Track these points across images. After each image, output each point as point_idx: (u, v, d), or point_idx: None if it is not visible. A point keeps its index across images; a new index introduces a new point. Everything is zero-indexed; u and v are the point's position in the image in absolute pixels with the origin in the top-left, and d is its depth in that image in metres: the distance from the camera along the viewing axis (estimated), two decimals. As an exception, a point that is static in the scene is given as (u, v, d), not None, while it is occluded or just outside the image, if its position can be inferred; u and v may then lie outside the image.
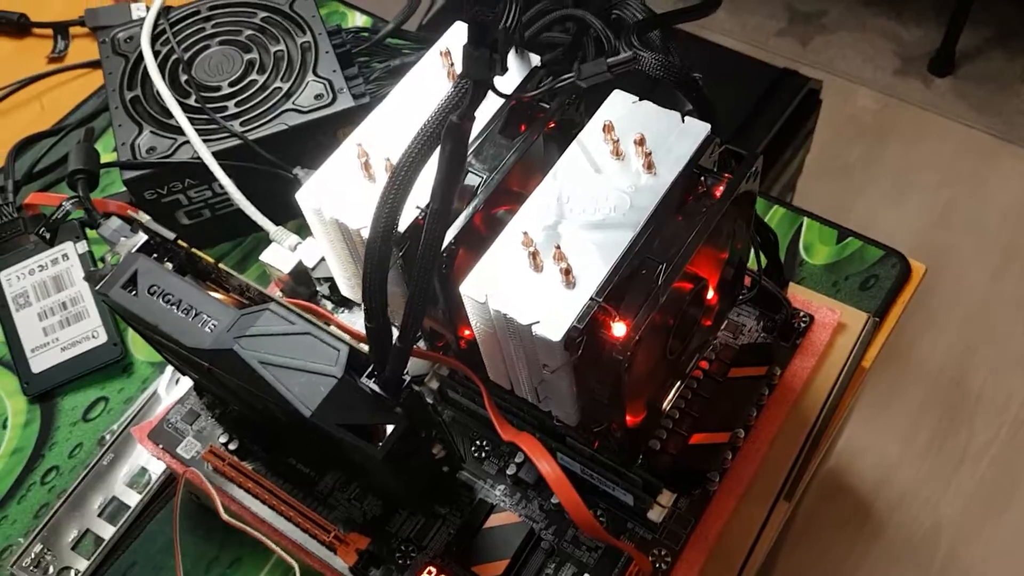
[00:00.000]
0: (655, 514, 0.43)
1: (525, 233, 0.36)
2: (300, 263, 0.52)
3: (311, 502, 0.46)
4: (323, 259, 0.52)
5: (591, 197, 0.37)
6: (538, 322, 0.35)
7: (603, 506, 0.45)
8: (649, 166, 0.37)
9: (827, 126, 1.21)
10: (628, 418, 0.40)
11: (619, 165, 0.38)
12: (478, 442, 0.48)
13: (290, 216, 0.57)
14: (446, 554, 0.44)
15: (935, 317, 1.19)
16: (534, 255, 0.36)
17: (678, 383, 0.45)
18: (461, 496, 0.46)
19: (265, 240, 0.54)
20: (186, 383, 0.52)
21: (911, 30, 1.54)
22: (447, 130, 0.30)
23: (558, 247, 0.36)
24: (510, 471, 0.46)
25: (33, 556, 0.52)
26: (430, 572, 0.44)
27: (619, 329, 0.34)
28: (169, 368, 0.58)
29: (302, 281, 0.53)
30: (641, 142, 0.37)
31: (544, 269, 0.36)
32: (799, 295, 0.50)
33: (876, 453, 1.12)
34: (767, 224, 0.45)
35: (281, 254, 0.52)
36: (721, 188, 0.37)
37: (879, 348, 0.51)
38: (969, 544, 1.06)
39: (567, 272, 0.35)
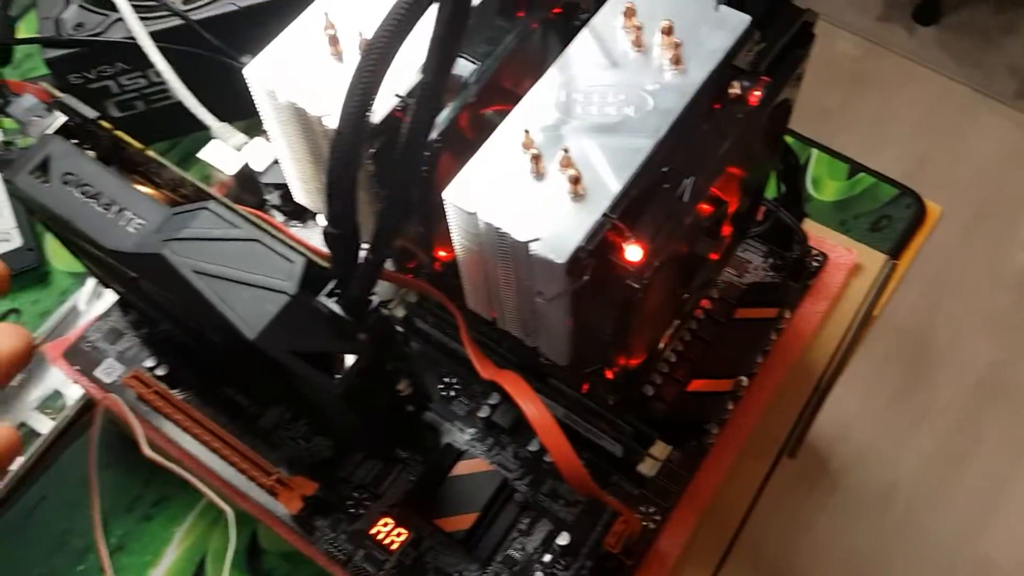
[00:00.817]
0: (646, 467, 0.38)
1: (526, 132, 0.30)
2: (247, 166, 0.45)
3: (251, 439, 0.40)
4: (274, 162, 0.45)
5: (605, 95, 0.31)
6: (538, 239, 0.29)
7: (586, 456, 0.40)
8: (676, 61, 0.31)
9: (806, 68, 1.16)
10: (628, 359, 0.34)
11: (640, 58, 0.32)
12: (447, 379, 0.42)
13: (237, 115, 0.49)
14: (405, 504, 0.39)
15: (905, 271, 1.16)
16: (536, 159, 0.30)
17: (676, 323, 0.40)
18: (425, 439, 0.41)
19: (206, 139, 0.47)
20: (111, 298, 0.45)
21: (897, -26, 1.48)
22: (449, -22, 0.23)
23: (565, 151, 0.30)
24: (482, 413, 0.41)
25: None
26: (386, 524, 0.39)
27: (634, 253, 0.29)
28: (92, 280, 0.50)
29: (248, 188, 0.46)
30: (668, 31, 0.31)
31: (547, 177, 0.30)
32: (811, 231, 0.44)
33: (835, 407, 1.10)
34: (791, 147, 0.40)
35: (225, 153, 0.45)
36: (759, 93, 0.31)
37: (891, 294, 0.47)
38: (926, 504, 1.04)
39: (575, 181, 0.29)
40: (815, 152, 0.53)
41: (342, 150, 0.27)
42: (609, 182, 0.29)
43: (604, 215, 0.29)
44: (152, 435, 0.40)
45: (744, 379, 0.40)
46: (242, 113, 0.50)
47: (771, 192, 0.41)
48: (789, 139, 0.53)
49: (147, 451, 0.37)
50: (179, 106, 0.49)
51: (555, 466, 0.37)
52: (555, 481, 0.40)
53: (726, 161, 0.30)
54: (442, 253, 0.37)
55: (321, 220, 0.44)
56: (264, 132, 0.46)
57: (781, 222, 0.41)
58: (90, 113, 0.33)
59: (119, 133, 0.33)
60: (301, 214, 0.46)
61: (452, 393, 0.42)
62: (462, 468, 0.39)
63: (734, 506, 0.40)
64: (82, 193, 0.32)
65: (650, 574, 0.38)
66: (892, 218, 0.50)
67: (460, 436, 0.41)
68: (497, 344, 0.39)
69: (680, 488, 0.39)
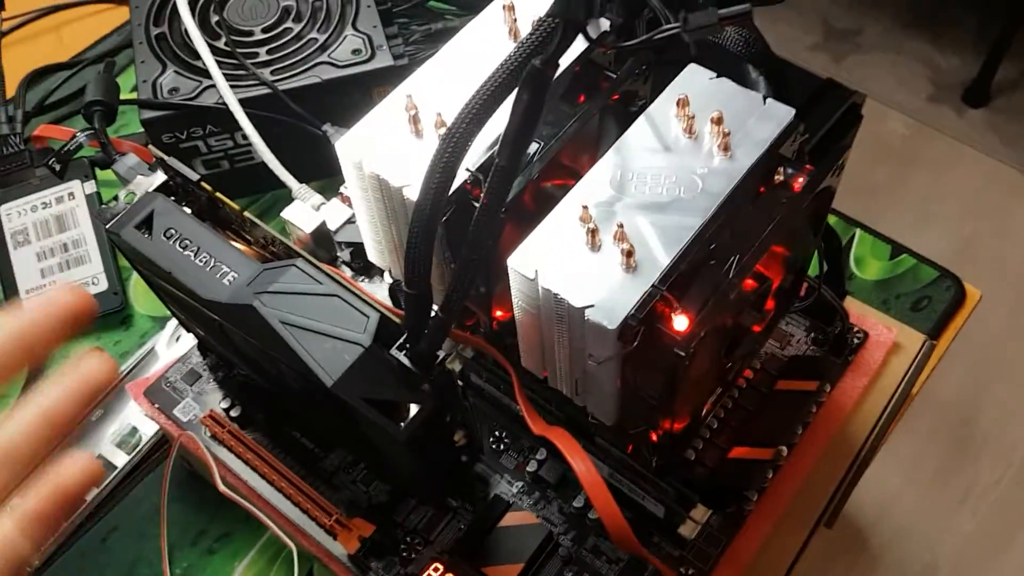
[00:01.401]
0: (687, 529, 0.40)
1: (584, 207, 0.33)
2: (323, 224, 0.48)
3: (314, 481, 0.43)
4: (347, 222, 0.49)
5: (658, 176, 0.34)
6: (592, 306, 0.31)
7: (628, 515, 0.41)
8: (725, 148, 0.34)
9: (855, 146, 1.18)
10: (672, 423, 0.37)
11: (691, 144, 0.35)
12: (497, 433, 0.44)
13: (313, 175, 0.54)
14: (455, 551, 0.41)
15: (951, 350, 1.16)
16: (592, 232, 0.33)
17: (719, 391, 0.42)
18: (475, 490, 0.43)
19: (284, 199, 0.51)
20: (187, 342, 0.49)
21: (948, 57, 1.51)
22: (528, 76, 0.27)
23: (620, 226, 0.32)
24: (530, 468, 0.43)
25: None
26: (436, 569, 0.40)
27: (681, 323, 0.31)
28: (170, 324, 0.54)
29: (323, 244, 0.49)
30: (719, 121, 0.34)
31: (602, 249, 0.33)
32: (853, 309, 0.46)
33: (878, 484, 1.09)
34: (833, 228, 0.42)
35: (304, 212, 0.48)
36: (802, 180, 0.34)
37: (929, 373, 0.48)
38: (966, 586, 1.03)
39: (628, 254, 0.32)
40: (858, 232, 0.55)
41: (421, 221, 0.30)
42: (659, 256, 0.32)
43: (654, 286, 0.31)
44: (223, 472, 0.43)
45: (784, 449, 0.42)
46: (317, 174, 0.55)
47: (814, 270, 0.43)
48: (833, 219, 0.56)
49: (220, 486, 0.40)
50: (260, 166, 0.54)
51: (600, 522, 0.39)
52: (598, 538, 0.41)
53: (770, 240, 0.32)
54: (499, 313, 0.39)
55: (387, 278, 0.47)
56: (338, 194, 0.50)
57: (823, 299, 0.43)
58: (192, 175, 0.37)
59: (218, 194, 0.37)
60: (368, 271, 0.49)
61: (502, 447, 0.44)
62: (509, 519, 0.41)
63: (771, 573, 0.41)
64: (182, 247, 0.35)
65: (686, 633, 0.39)
66: (932, 299, 0.52)
67: (508, 488, 0.43)
68: (547, 402, 0.41)
69: (719, 551, 0.40)
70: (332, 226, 0.48)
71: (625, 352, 0.32)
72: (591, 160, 0.35)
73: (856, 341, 0.45)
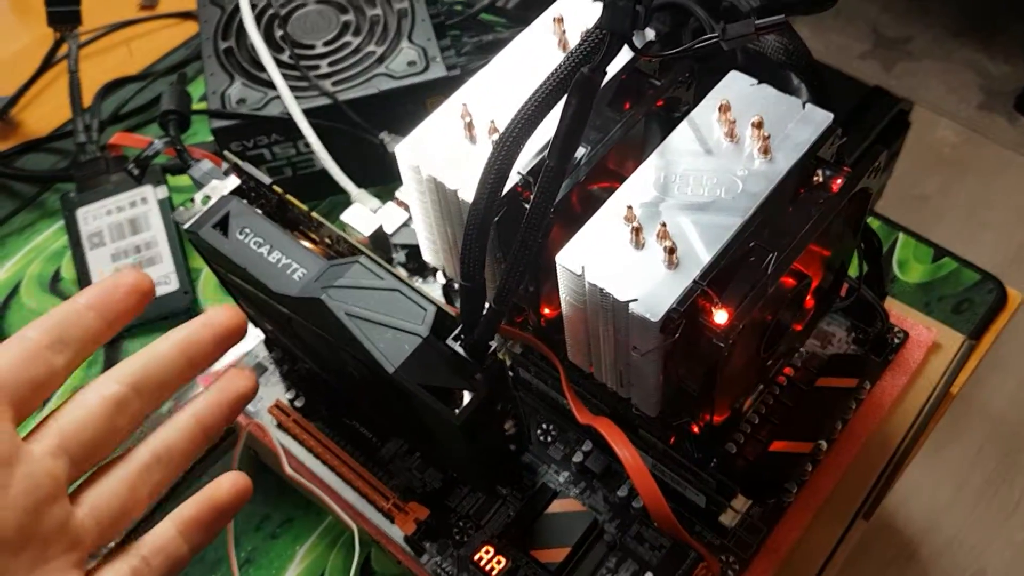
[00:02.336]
0: (727, 518, 0.41)
1: (629, 207, 0.35)
2: (380, 228, 0.51)
3: (372, 467, 0.46)
4: (403, 226, 0.51)
5: (700, 177, 0.36)
6: (636, 300, 0.33)
7: (671, 505, 0.43)
8: (765, 151, 0.36)
9: (906, 153, 1.18)
10: (713, 416, 0.38)
11: (732, 148, 0.36)
12: (544, 425, 0.46)
13: (370, 181, 0.56)
14: (504, 535, 0.43)
15: (1002, 359, 1.15)
16: (637, 231, 0.35)
17: (760, 387, 0.44)
18: (523, 478, 0.45)
19: (342, 204, 0.54)
20: (253, 338, 0.52)
21: (999, 65, 1.50)
22: (576, 83, 0.29)
23: (663, 225, 0.34)
24: (576, 458, 0.45)
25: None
26: (488, 551, 0.43)
27: (720, 316, 0.33)
28: (236, 321, 0.57)
29: (380, 246, 0.52)
30: (759, 125, 0.36)
31: (646, 246, 0.35)
32: (894, 310, 0.47)
33: (928, 493, 1.09)
34: (873, 230, 0.43)
35: (363, 216, 0.51)
36: (840, 181, 0.36)
37: (969, 374, 0.49)
38: (1015, 597, 1.02)
39: (671, 251, 0.34)
40: (901, 235, 0.56)
41: (475, 220, 0.32)
42: (700, 253, 0.34)
43: (695, 281, 0.33)
44: (288, 458, 0.45)
45: (823, 443, 0.43)
46: (374, 180, 0.57)
47: (855, 271, 0.44)
48: (875, 222, 0.57)
49: (288, 470, 0.43)
50: (321, 174, 0.57)
51: (643, 510, 0.41)
52: (642, 526, 0.43)
53: (807, 239, 0.34)
54: (547, 311, 0.41)
55: (440, 278, 0.50)
56: (394, 198, 0.52)
57: (864, 299, 0.45)
58: (264, 178, 0.39)
59: (288, 196, 0.39)
60: (422, 271, 0.52)
61: (549, 439, 0.46)
62: (556, 507, 0.43)
63: (809, 563, 0.43)
64: (255, 245, 0.38)
65: (726, 619, 0.41)
66: (974, 302, 0.53)
67: (555, 478, 0.45)
68: (593, 395, 0.43)
69: (759, 540, 0.42)
70: (388, 229, 0.51)
71: (667, 344, 0.34)
72: (636, 164, 0.37)
73: (896, 341, 0.46)
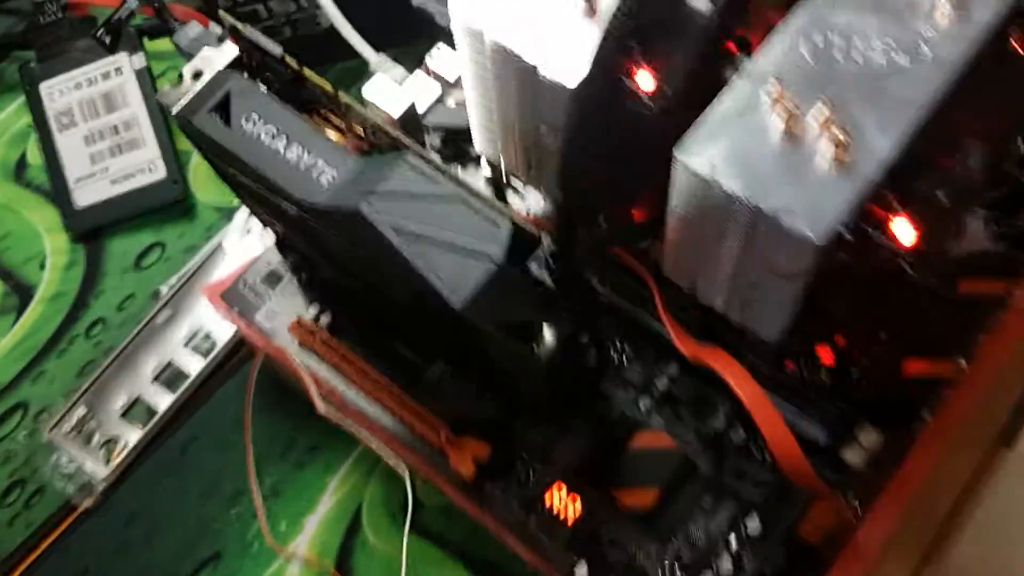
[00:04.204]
0: (851, 454, 0.35)
1: (777, 81, 0.26)
2: (412, 106, 0.41)
3: (418, 394, 0.38)
4: (437, 102, 0.42)
5: (869, 39, 0.27)
6: (792, 211, 0.25)
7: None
8: (956, 4, 0.26)
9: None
10: (853, 339, 0.31)
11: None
12: (619, 344, 0.39)
13: (388, 43, 0.46)
14: (579, 471, 0.37)
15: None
16: (785, 116, 0.26)
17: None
18: (598, 408, 0.38)
19: (353, 73, 0.44)
20: (257, 234, 0.43)
21: None
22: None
23: (823, 106, 0.25)
24: (661, 385, 0.38)
25: (75, 421, 0.45)
26: (559, 488, 0.36)
27: (906, 234, 0.25)
28: (239, 214, 0.49)
29: (408, 128, 0.43)
30: (948, -33, 0.26)
31: (800, 137, 0.26)
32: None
33: None
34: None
35: (388, 90, 0.41)
36: (1053, 42, 0.27)
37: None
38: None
39: (836, 144, 0.25)
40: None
41: (583, 113, 0.23)
42: (877, 146, 0.25)
43: (871, 184, 0.25)
44: (319, 390, 0.38)
45: (963, 361, 0.36)
46: (391, 41, 0.47)
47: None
48: None
49: (321, 407, 0.36)
50: (329, 35, 0.47)
51: (741, 444, 0.34)
52: (740, 459, 0.37)
53: (1018, 127, 0.26)
54: (635, 212, 0.33)
55: (484, 166, 0.41)
56: (421, 65, 0.43)
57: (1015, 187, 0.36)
58: (275, 49, 0.30)
59: (307, 71, 0.30)
60: (461, 157, 0.43)
61: (625, 361, 0.39)
62: (640, 440, 0.37)
63: (944, 498, 0.36)
64: (269, 137, 0.29)
65: (848, 570, 0.35)
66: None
67: (634, 408, 0.38)
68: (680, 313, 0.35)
69: (886, 477, 0.35)
70: (420, 108, 0.41)
71: (826, 265, 0.26)
72: (775, 18, 0.28)
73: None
